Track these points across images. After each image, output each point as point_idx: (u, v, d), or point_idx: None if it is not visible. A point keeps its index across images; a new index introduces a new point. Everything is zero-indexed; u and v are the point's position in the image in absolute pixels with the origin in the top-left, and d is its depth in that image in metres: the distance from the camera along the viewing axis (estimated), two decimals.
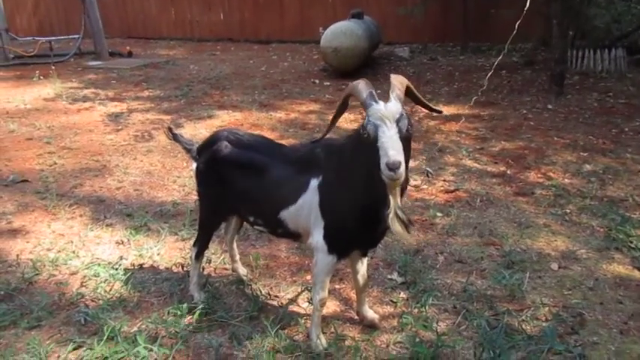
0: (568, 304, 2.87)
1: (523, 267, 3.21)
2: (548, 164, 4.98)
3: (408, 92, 2.18)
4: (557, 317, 2.74)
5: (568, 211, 3.97)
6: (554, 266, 3.23)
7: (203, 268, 3.20)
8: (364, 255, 2.62)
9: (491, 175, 4.74)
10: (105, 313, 2.80)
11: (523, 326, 2.66)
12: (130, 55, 11.36)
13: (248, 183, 2.55)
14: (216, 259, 3.39)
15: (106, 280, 3.15)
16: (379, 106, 2.01)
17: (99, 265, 3.32)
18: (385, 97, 2.08)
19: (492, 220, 3.85)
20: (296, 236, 2.57)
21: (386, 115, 1.97)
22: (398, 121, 1.98)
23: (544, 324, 2.69)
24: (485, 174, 4.75)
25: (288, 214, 2.46)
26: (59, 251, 3.49)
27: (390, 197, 2.05)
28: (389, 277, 3.15)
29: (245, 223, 2.90)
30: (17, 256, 3.40)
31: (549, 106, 6.92)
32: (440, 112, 2.47)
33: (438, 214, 3.95)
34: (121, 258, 3.37)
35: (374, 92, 2.08)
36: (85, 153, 5.34)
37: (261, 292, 3.01)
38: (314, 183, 2.37)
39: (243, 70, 9.62)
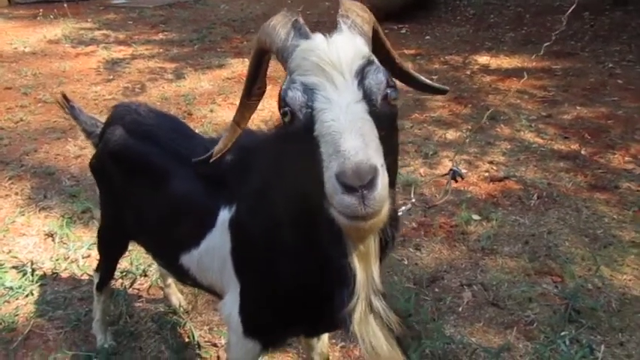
0: None
1: (595, 322, 2.08)
2: None
3: (376, 40, 1.07)
4: None
5: None
6: None
7: (126, 288, 2.32)
8: None
9: (557, 156, 3.49)
10: None
11: None
12: None
13: (138, 197, 1.56)
14: (155, 271, 2.49)
15: (8, 293, 2.36)
16: (314, 43, 0.93)
17: (10, 268, 2.54)
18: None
19: (553, 231, 2.68)
20: (214, 292, 1.56)
21: (331, 62, 0.89)
22: (363, 75, 0.90)
23: None
24: (549, 154, 3.50)
25: (190, 261, 1.46)
26: None
27: (354, 262, 0.94)
28: None
29: None
30: None
31: None
32: (444, 91, 1.34)
33: (474, 217, 2.80)
34: (32, 263, 2.54)
35: (301, 22, 0.99)
36: (59, 109, 4.52)
37: (192, 335, 2.09)
38: (224, 215, 1.34)
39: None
